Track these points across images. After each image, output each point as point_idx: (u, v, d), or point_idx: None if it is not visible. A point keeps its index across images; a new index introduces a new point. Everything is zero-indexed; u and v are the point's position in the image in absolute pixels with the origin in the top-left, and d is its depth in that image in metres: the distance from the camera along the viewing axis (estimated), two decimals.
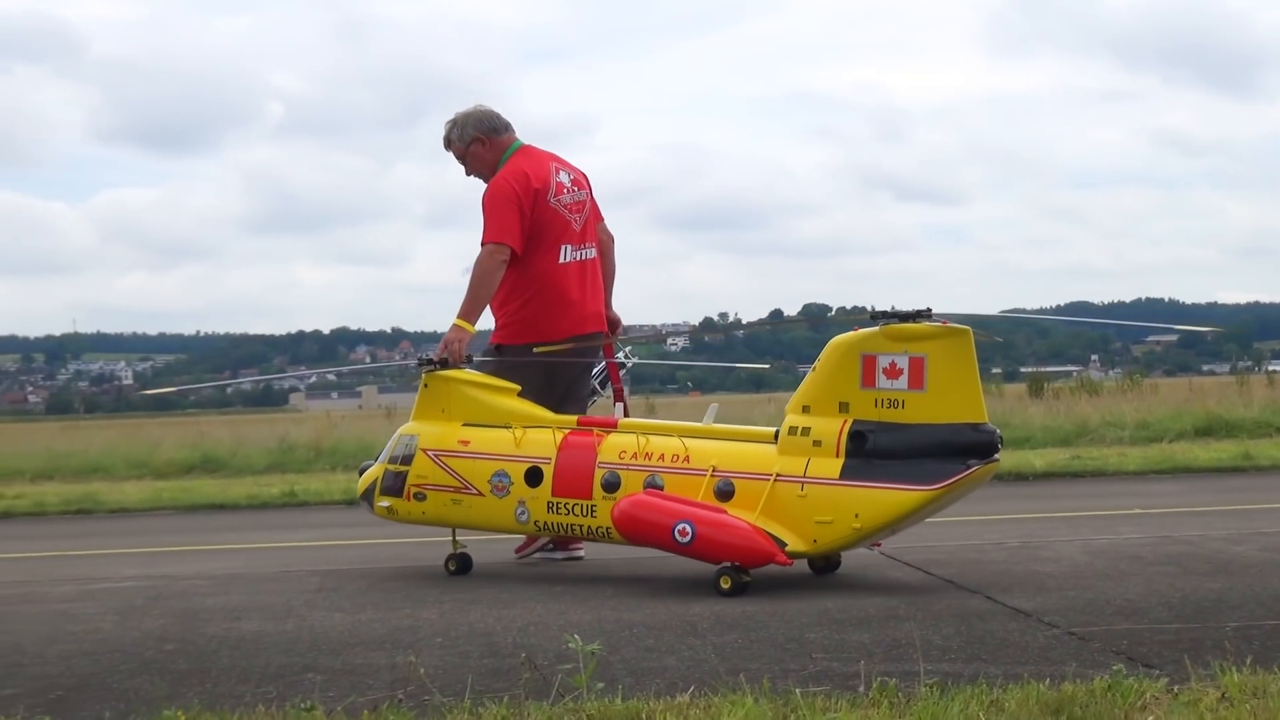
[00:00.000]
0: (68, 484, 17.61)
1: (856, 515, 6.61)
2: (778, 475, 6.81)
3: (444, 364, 7.92)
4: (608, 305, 8.52)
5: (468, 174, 8.51)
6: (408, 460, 7.77)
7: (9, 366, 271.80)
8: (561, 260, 8.07)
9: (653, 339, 8.78)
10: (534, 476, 7.39)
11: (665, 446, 7.22)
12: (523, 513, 7.43)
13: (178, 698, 4.76)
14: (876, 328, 6.71)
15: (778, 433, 7.01)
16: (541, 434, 7.50)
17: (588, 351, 8.24)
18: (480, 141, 8.29)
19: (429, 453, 7.69)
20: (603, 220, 8.56)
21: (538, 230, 8.01)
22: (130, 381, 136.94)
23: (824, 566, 7.41)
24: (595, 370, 8.28)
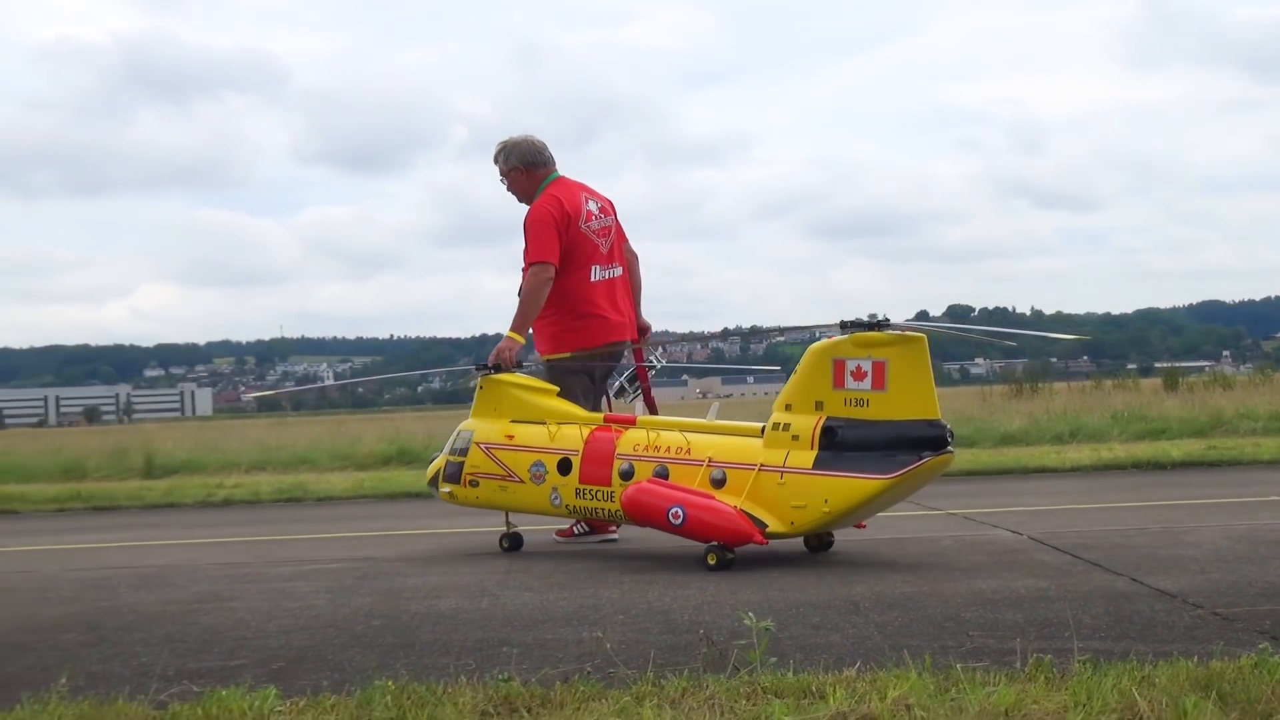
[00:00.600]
0: (278, 474, 17.98)
1: (826, 500, 6.96)
2: (761, 465, 7.17)
3: (497, 369, 8.38)
4: (637, 314, 8.94)
5: (507, 191, 8.92)
6: (464, 452, 8.29)
7: (224, 369, 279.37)
8: (592, 279, 8.51)
9: (656, 342, 9.10)
10: (565, 466, 7.85)
11: (671, 440, 7.59)
12: (555, 498, 7.89)
13: (386, 669, 4.84)
14: (845, 336, 7.04)
15: (764, 428, 7.29)
16: (571, 429, 7.95)
17: (616, 355, 8.71)
18: (519, 170, 8.73)
19: (481, 445, 8.21)
20: (627, 240, 8.94)
21: (570, 252, 8.41)
22: (332, 381, 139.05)
23: (817, 545, 7.73)
24: (626, 373, 8.62)
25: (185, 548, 9.70)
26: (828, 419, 7.00)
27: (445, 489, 8.40)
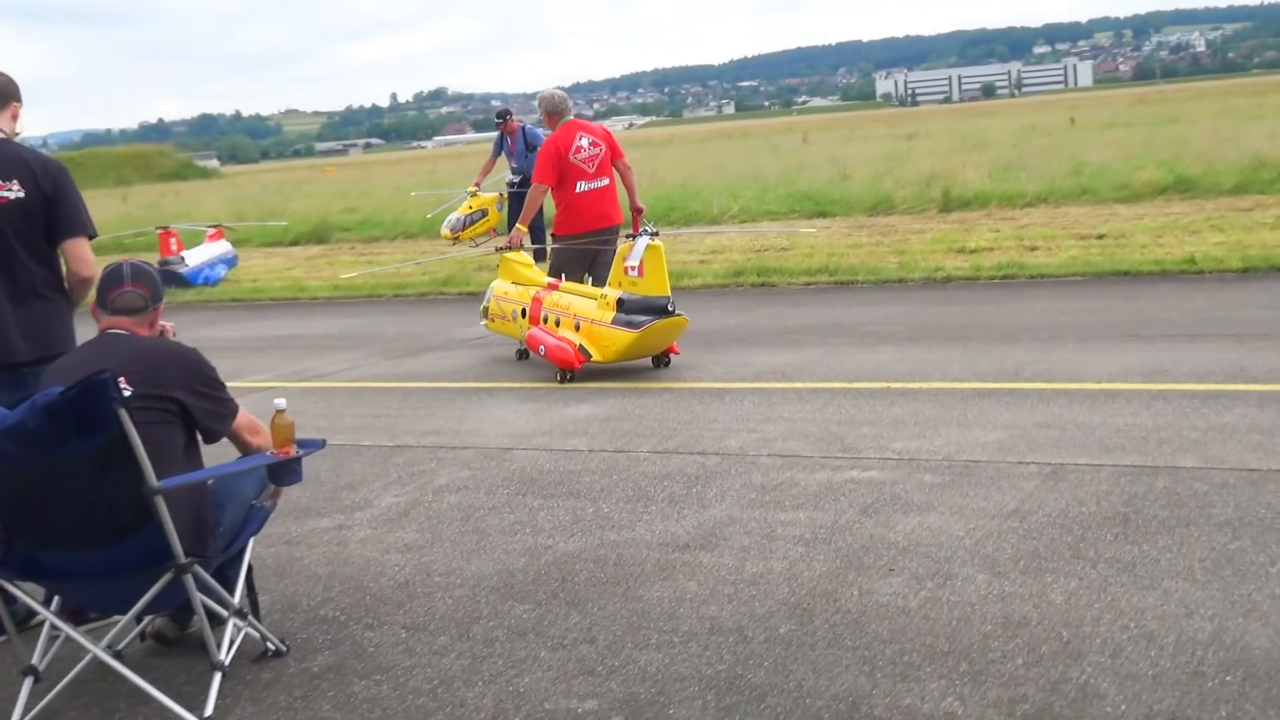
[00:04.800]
0: (1072, 210, 16.74)
1: (614, 343, 9.40)
2: (593, 320, 9.59)
3: (509, 249, 11.18)
4: (633, 200, 10.84)
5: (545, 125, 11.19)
6: (489, 299, 11.21)
7: (1104, 43, 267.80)
8: (578, 190, 10.51)
9: None
10: (523, 313, 10.45)
11: (564, 301, 10.01)
12: (523, 331, 10.42)
13: None
14: (626, 244, 9.59)
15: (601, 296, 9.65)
16: (527, 291, 10.55)
17: (603, 238, 10.61)
18: (545, 114, 10.93)
19: (496, 297, 11.08)
20: (621, 158, 10.75)
21: (564, 174, 10.48)
22: (1203, 49, 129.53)
23: (657, 362, 9.84)
24: (631, 235, 9.95)
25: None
26: (621, 293, 9.44)
27: (483, 322, 11.35)
